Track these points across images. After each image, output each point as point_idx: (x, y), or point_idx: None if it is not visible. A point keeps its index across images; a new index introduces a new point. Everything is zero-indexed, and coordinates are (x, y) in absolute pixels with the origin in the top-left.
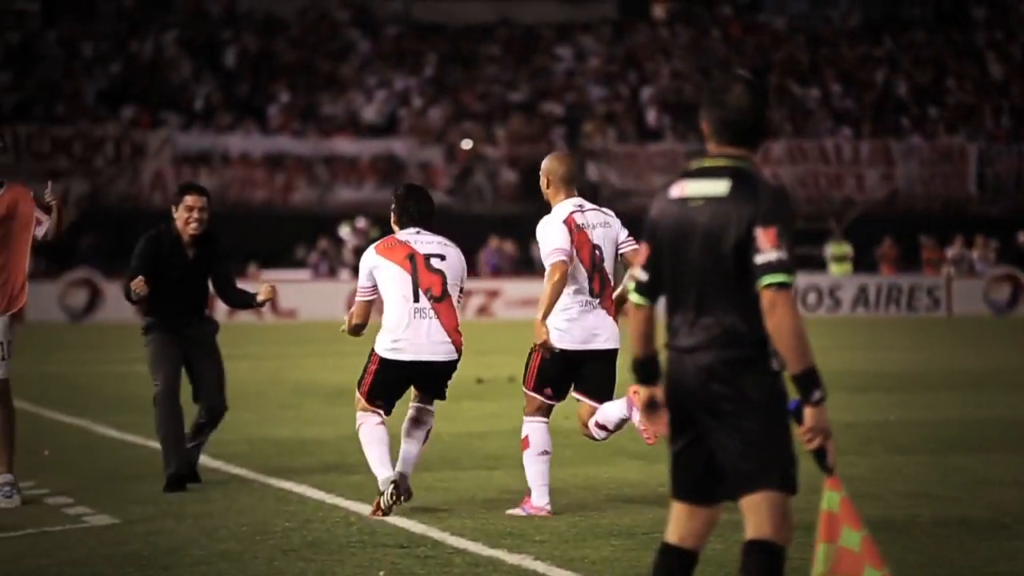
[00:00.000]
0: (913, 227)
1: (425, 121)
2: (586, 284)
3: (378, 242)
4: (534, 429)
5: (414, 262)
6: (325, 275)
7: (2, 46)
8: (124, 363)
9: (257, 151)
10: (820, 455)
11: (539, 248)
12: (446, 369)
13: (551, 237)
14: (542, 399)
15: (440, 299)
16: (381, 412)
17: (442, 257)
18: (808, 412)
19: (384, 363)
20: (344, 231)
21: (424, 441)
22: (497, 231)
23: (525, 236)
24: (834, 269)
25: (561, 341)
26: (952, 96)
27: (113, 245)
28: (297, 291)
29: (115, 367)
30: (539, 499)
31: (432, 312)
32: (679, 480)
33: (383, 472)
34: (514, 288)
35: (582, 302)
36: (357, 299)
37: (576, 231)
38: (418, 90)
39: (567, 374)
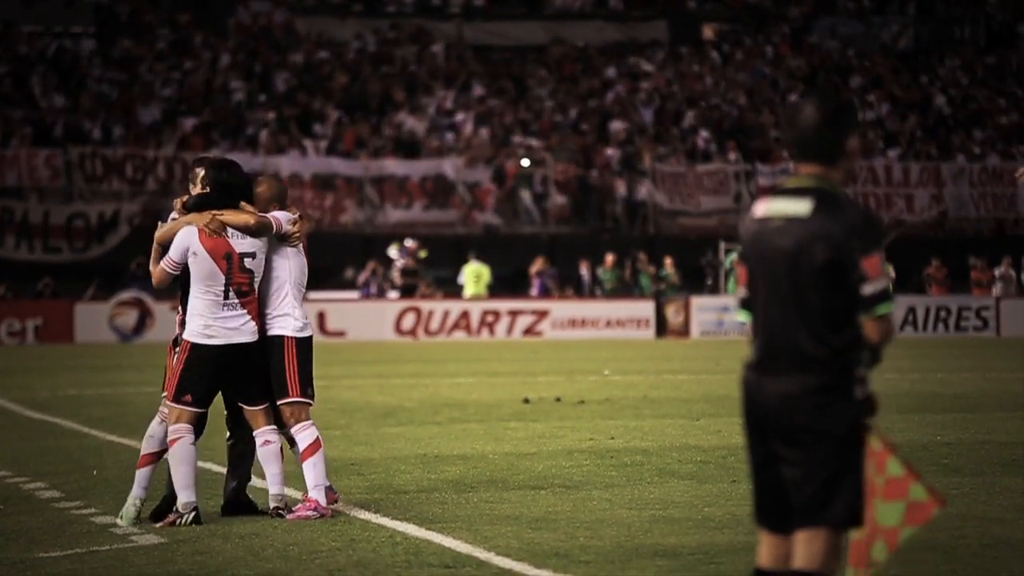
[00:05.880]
0: (962, 248)
1: (474, 142)
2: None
3: None
4: (313, 431)
5: None
6: (374, 296)
7: (57, 68)
8: None
9: (306, 172)
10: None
11: None
12: None
13: None
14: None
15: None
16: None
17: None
18: None
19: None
20: (393, 251)
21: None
22: (545, 252)
23: (573, 257)
24: None
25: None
26: (1002, 117)
27: None
28: (346, 311)
29: None
30: (323, 496)
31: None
32: (756, 504)
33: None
34: (562, 308)
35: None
36: None
37: None
38: (468, 111)
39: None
